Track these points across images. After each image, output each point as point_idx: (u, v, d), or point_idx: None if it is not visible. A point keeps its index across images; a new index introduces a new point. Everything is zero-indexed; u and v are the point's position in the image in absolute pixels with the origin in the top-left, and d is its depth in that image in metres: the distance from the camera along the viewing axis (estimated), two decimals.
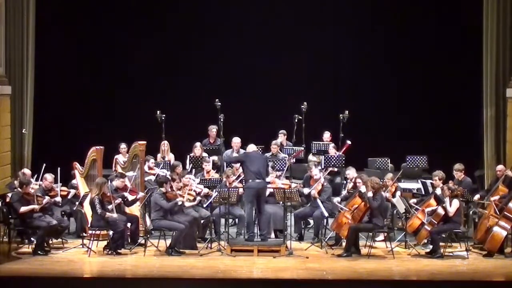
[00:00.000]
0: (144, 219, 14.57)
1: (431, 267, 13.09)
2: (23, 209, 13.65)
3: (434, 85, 18.74)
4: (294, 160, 16.16)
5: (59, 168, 14.50)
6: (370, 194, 13.62)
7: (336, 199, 14.42)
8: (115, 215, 13.66)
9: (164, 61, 18.91)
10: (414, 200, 14.51)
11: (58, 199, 14.19)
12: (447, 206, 13.55)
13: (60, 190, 14.44)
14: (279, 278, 12.56)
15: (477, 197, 14.66)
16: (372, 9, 18.68)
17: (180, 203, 13.87)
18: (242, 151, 16.22)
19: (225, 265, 13.12)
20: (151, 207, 14.10)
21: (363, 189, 13.78)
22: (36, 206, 13.67)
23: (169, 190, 13.96)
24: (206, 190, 14.65)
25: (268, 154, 16.13)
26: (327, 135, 17.18)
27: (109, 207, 13.68)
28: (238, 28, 18.76)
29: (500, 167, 14.97)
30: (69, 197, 14.74)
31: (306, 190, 14.73)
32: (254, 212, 14.04)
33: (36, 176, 14.93)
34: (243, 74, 18.83)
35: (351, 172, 14.91)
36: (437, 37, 18.63)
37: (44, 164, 14.61)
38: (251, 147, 14.52)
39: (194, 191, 14.58)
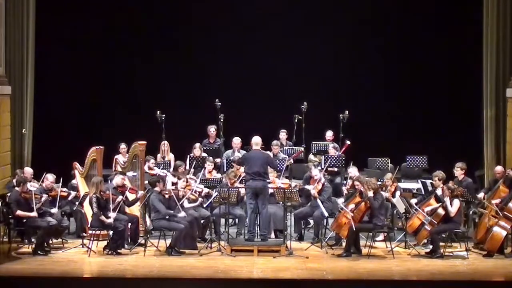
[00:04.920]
0: (144, 219, 14.58)
1: (431, 267, 13.09)
2: (19, 212, 13.65)
3: (434, 85, 18.75)
4: (292, 161, 16.18)
5: (61, 178, 14.53)
6: (370, 193, 13.63)
7: (340, 200, 14.40)
8: (111, 219, 13.62)
9: (164, 61, 18.92)
10: (415, 200, 14.49)
11: (55, 210, 14.11)
12: (447, 206, 13.55)
13: (60, 191, 14.44)
14: (279, 278, 12.56)
15: (481, 195, 14.62)
16: (372, 10, 18.68)
17: (181, 215, 13.84)
18: (242, 152, 16.24)
19: (225, 265, 13.12)
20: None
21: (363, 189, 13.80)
22: (34, 214, 13.64)
23: (162, 187, 13.96)
24: (206, 190, 14.66)
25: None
26: (329, 134, 17.19)
27: (110, 207, 13.69)
28: (238, 28, 18.76)
29: (498, 168, 14.94)
30: (69, 198, 14.75)
31: (309, 186, 14.69)
32: (253, 211, 14.03)
33: (34, 176, 14.94)
34: (243, 74, 18.83)
35: (353, 170, 14.91)
36: (437, 37, 18.63)
37: (45, 173, 14.57)
38: (255, 140, 14.44)
39: (196, 191, 14.58)
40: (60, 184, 14.49)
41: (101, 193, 13.79)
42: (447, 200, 13.61)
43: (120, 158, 15.92)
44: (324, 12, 18.76)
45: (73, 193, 14.82)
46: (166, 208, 13.80)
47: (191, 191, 14.38)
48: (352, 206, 13.77)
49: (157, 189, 13.89)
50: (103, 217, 13.64)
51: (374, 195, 13.65)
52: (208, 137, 17.07)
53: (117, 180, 14.30)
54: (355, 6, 18.69)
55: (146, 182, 15.10)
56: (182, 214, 13.89)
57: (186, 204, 14.24)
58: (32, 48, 17.12)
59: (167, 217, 13.76)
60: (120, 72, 18.81)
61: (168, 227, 13.83)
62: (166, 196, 13.93)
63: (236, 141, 16.57)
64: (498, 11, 16.40)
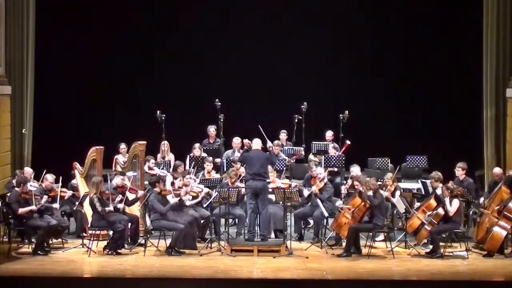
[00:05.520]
0: (144, 219, 14.58)
1: (431, 267, 13.10)
2: (21, 210, 13.64)
3: (434, 85, 18.75)
4: (293, 161, 16.18)
5: (61, 177, 14.53)
6: (370, 192, 13.62)
7: (338, 203, 14.38)
8: (122, 205, 13.72)
9: (164, 61, 18.92)
10: (418, 204, 14.38)
11: (56, 205, 14.14)
12: (447, 206, 13.55)
13: (60, 191, 14.45)
14: (279, 278, 12.56)
15: (481, 200, 14.60)
16: (372, 9, 18.69)
17: (173, 201, 13.85)
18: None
19: (225, 265, 13.12)
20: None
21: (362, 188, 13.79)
22: (34, 207, 13.66)
23: (163, 188, 13.96)
24: (206, 190, 14.66)
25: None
26: (329, 134, 17.18)
27: (109, 207, 13.69)
28: (238, 28, 18.77)
29: (497, 170, 14.87)
30: (65, 198, 14.74)
31: (306, 192, 14.69)
32: (253, 211, 14.04)
33: (34, 176, 14.94)
34: (243, 74, 18.84)
35: (355, 170, 14.89)
36: (437, 37, 18.64)
37: (45, 170, 14.58)
38: (256, 143, 14.43)
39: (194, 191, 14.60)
40: (60, 184, 14.49)
41: (101, 193, 13.79)
42: (446, 200, 13.62)
43: (120, 158, 15.92)
44: (324, 12, 18.76)
45: (69, 192, 14.81)
46: (166, 213, 13.80)
47: (190, 188, 14.39)
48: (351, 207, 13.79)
49: (156, 189, 13.89)
50: (107, 208, 13.63)
51: (374, 194, 13.65)
52: (208, 137, 17.07)
53: (117, 180, 14.30)
54: (355, 6, 18.70)
55: (146, 182, 15.11)
56: (188, 202, 13.91)
57: (188, 202, 14.25)
58: (32, 48, 17.13)
59: (168, 212, 13.73)
60: (120, 72, 18.81)
61: (168, 227, 13.82)
62: (167, 196, 13.93)
63: (236, 141, 16.57)
64: (498, 11, 16.40)
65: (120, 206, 13.91)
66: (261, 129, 15.11)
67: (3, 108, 16.64)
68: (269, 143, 15.55)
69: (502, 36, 16.42)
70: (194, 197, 14.47)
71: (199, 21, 18.93)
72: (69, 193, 14.81)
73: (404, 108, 18.71)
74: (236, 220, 15.05)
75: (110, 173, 15.05)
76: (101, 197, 13.75)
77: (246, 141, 14.51)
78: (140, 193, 14.42)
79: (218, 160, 16.21)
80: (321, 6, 18.72)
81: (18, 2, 16.83)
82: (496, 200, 14.01)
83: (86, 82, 18.74)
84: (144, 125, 17.19)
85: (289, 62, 18.84)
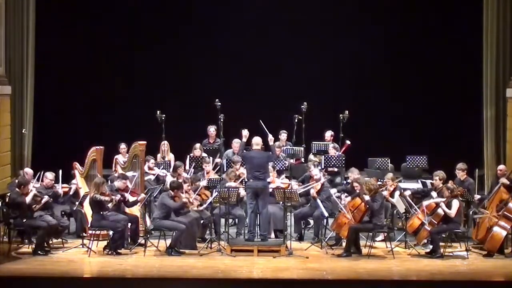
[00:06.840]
0: (144, 219, 14.57)
1: (431, 267, 13.10)
2: (28, 198, 13.57)
3: (434, 85, 18.76)
4: (293, 160, 16.18)
5: (60, 171, 14.53)
6: (367, 197, 13.59)
7: (333, 191, 14.36)
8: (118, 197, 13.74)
9: (164, 61, 18.92)
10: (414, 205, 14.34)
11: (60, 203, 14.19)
12: (444, 208, 13.52)
13: (62, 187, 14.46)
14: (279, 278, 12.56)
15: (477, 197, 14.61)
16: (372, 9, 18.70)
17: (186, 201, 13.84)
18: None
19: (225, 265, 13.12)
20: (156, 206, 14.15)
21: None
22: (35, 191, 13.63)
23: (179, 194, 13.92)
24: (210, 199, 14.60)
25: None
26: (328, 134, 17.16)
27: (109, 206, 13.70)
28: (238, 28, 18.77)
29: (501, 166, 14.95)
30: (70, 193, 14.76)
31: (294, 185, 14.65)
32: (253, 211, 14.03)
33: (36, 177, 14.95)
34: (243, 74, 18.84)
35: (352, 174, 14.86)
36: (437, 37, 18.64)
37: (42, 171, 14.59)
38: (255, 140, 14.41)
39: (202, 195, 14.58)
40: (60, 184, 14.51)
41: (102, 193, 13.77)
42: (442, 203, 13.58)
43: (120, 158, 15.92)
44: (324, 12, 18.76)
45: (73, 186, 14.82)
46: (173, 210, 13.80)
47: (198, 191, 14.41)
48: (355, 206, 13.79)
49: (171, 192, 13.84)
50: (117, 197, 13.66)
51: (373, 196, 13.62)
52: (208, 137, 17.07)
53: (119, 184, 14.22)
54: (355, 6, 18.70)
55: (146, 179, 15.11)
56: (184, 218, 13.90)
57: (194, 207, 14.26)
58: (32, 48, 17.14)
59: (175, 211, 13.73)
60: (121, 72, 18.81)
61: (168, 227, 13.82)
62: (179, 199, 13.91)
63: (236, 143, 16.54)
64: (498, 12, 16.42)
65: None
66: (262, 124, 15.03)
67: (3, 108, 16.64)
68: (270, 136, 15.47)
69: (502, 36, 16.42)
70: (199, 205, 14.46)
71: (199, 21, 18.94)
72: (73, 187, 14.83)
73: (404, 108, 18.71)
74: (236, 220, 15.05)
75: (110, 173, 15.04)
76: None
77: (244, 133, 14.39)
78: (141, 196, 14.37)
79: (218, 160, 16.21)
80: (321, 6, 18.72)
81: (18, 2, 16.84)
82: (496, 200, 13.99)
83: (86, 82, 18.74)
84: (144, 125, 17.19)
85: (289, 62, 18.85)
